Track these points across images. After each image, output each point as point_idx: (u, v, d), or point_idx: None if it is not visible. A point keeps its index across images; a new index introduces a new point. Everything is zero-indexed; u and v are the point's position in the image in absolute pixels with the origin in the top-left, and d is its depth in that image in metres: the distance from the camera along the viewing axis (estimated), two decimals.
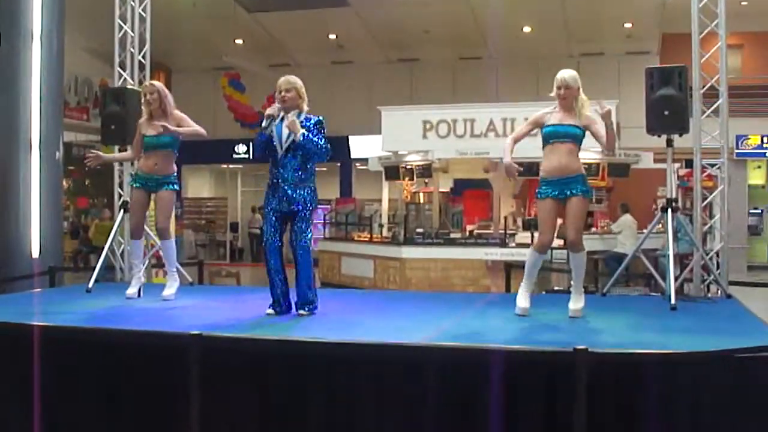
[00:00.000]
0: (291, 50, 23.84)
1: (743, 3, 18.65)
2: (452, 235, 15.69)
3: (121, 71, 9.63)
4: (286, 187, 6.16)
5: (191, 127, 7.13)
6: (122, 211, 8.38)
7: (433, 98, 18.92)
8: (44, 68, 9.29)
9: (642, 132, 8.05)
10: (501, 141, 6.74)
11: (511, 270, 9.05)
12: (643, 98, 7.74)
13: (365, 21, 21.77)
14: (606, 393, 4.30)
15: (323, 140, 6.17)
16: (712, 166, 8.25)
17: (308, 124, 6.17)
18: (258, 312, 6.27)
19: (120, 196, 9.28)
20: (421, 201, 18.40)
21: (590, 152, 11.65)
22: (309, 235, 6.24)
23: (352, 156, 23.28)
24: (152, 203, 7.48)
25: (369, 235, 16.97)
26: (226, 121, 23.88)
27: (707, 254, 8.18)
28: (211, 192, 28.29)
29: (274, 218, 6.23)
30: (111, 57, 9.75)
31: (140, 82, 9.33)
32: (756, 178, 21.97)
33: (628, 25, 21.31)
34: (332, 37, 23.36)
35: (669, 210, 7.40)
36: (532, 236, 12.75)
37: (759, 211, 22.00)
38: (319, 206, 9.63)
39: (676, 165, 9.94)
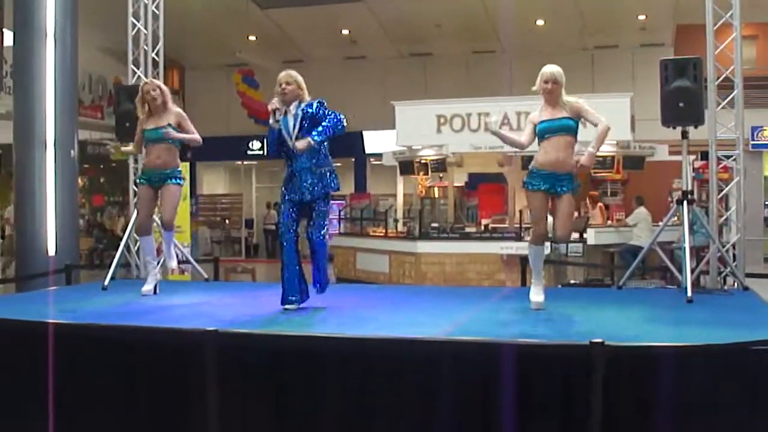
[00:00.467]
0: (304, 46, 23.82)
1: None
2: (467, 230, 15.62)
3: (135, 69, 9.68)
4: (304, 175, 6.21)
5: (191, 132, 7.22)
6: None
7: (447, 92, 18.89)
8: (58, 67, 9.35)
9: (657, 124, 8.02)
10: (515, 135, 6.73)
11: (526, 264, 9.01)
12: (657, 90, 7.72)
13: (378, 16, 21.74)
14: (622, 386, 4.28)
15: (331, 113, 6.17)
16: (728, 157, 8.22)
17: (310, 109, 6.18)
18: (273, 308, 6.27)
19: (135, 193, 9.34)
20: (436, 195, 18.33)
21: (605, 145, 11.59)
22: (325, 230, 6.36)
23: (367, 151, 23.32)
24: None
25: (384, 231, 16.95)
26: (240, 117, 23.88)
27: (723, 246, 8.14)
28: (226, 188, 28.32)
29: (291, 209, 6.29)
30: (124, 55, 9.81)
31: None
32: None
33: (642, 17, 21.14)
34: (345, 32, 23.34)
35: (685, 202, 7.37)
36: None
37: None
38: (334, 202, 9.64)
39: (692, 157, 9.87)
